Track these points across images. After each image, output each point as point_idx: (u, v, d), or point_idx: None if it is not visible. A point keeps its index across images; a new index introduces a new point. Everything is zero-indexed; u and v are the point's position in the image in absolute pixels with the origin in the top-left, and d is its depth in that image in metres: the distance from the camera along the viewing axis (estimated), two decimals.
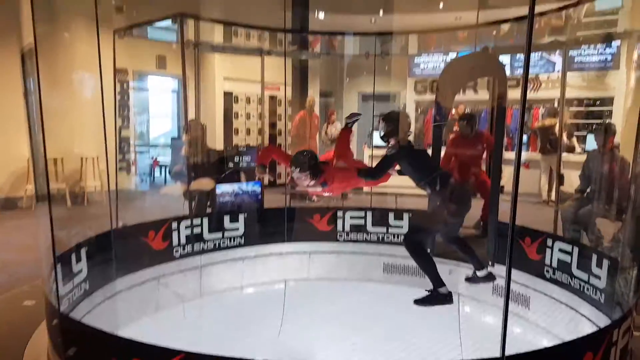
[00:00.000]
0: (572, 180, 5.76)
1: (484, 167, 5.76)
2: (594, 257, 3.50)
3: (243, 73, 9.20)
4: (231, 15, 6.76)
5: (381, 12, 8.96)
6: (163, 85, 9.82)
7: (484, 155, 5.60)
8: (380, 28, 8.57)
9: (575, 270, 3.70)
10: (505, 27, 7.42)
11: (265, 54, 7.66)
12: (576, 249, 3.73)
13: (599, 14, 7.83)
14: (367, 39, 7.57)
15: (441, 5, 8.20)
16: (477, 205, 4.80)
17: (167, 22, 6.56)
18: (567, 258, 3.78)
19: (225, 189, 5.59)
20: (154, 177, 9.16)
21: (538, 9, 5.74)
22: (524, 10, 6.31)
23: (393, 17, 8.30)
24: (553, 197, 7.15)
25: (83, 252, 3.32)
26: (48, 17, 3.54)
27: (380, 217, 5.17)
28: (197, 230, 4.56)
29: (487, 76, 5.08)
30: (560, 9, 5.22)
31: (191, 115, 6.45)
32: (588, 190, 5.02)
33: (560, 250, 3.86)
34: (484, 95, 9.72)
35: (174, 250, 4.37)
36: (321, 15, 8.99)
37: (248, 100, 10.03)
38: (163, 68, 8.97)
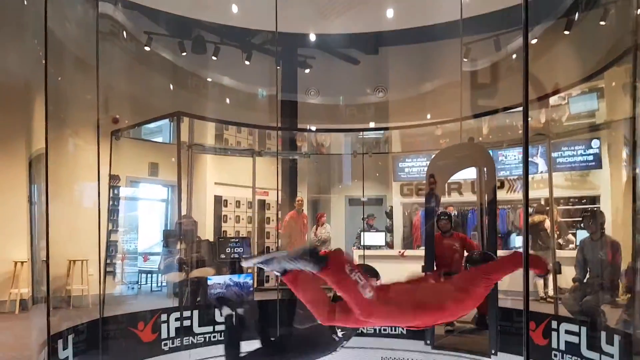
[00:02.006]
0: (567, 275, 5.71)
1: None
2: (604, 335, 3.34)
3: (234, 177, 9.40)
4: (224, 116, 7.11)
5: (371, 124, 9.48)
6: (154, 193, 9.91)
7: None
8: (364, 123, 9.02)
9: (585, 351, 3.51)
10: (487, 122, 7.83)
11: (256, 155, 7.91)
12: (584, 329, 3.57)
13: (577, 116, 8.30)
14: (354, 140, 7.90)
15: (429, 115, 8.71)
16: None
17: (162, 125, 6.85)
18: (574, 339, 3.61)
19: (216, 280, 5.45)
20: (140, 284, 8.90)
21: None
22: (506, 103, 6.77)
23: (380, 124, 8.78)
24: (549, 292, 7.00)
25: (70, 339, 3.17)
26: (54, 125, 3.72)
27: None
28: (186, 322, 4.35)
29: (475, 165, 5.26)
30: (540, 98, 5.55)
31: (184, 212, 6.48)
32: (586, 278, 4.96)
33: (567, 332, 3.70)
34: (469, 197, 9.94)
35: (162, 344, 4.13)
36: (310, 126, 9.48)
37: (238, 204, 10.11)
38: (155, 175, 9.14)
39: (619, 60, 4.93)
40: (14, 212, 6.97)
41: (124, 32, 6.54)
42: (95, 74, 4.75)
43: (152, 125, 7.32)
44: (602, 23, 6.29)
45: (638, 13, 4.48)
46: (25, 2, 4.83)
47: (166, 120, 6.79)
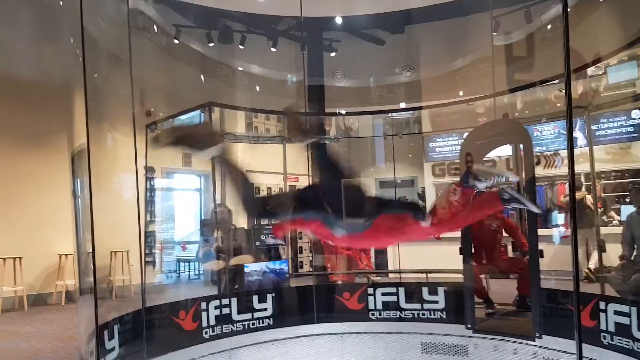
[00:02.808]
0: (612, 253, 5.59)
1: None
2: None
3: (265, 164, 9.49)
4: (253, 106, 7.16)
5: (402, 104, 9.35)
6: (189, 183, 10.11)
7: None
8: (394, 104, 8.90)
9: (637, 333, 3.43)
10: (520, 98, 7.64)
11: (286, 141, 7.96)
12: (634, 309, 3.48)
13: (616, 86, 8.02)
14: (383, 122, 7.83)
15: (461, 92, 8.54)
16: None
17: (194, 115, 6.95)
18: (625, 320, 3.52)
19: (253, 268, 5.54)
20: (179, 273, 9.13)
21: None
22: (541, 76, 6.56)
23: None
24: (592, 267, 6.85)
25: (116, 329, 3.28)
26: (94, 121, 3.83)
27: (414, 292, 5.00)
28: (225, 310, 4.45)
29: (511, 142, 5.16)
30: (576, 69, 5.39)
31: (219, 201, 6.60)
32: (634, 255, 4.85)
33: (617, 312, 3.61)
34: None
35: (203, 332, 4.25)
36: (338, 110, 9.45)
37: (269, 191, 10.21)
38: (189, 165, 9.31)
39: None
40: (59, 206, 7.21)
41: (154, 26, 6.64)
42: (129, 68, 4.85)
43: (184, 116, 7.45)
44: None
45: None
46: (62, 3, 4.96)
47: (198, 111, 6.89)
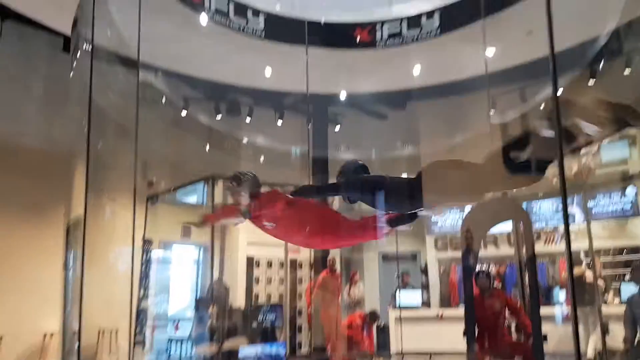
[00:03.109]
0: (616, 334, 5.38)
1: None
2: None
3: (266, 237, 9.37)
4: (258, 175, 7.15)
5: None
6: (186, 255, 9.95)
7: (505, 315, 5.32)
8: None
9: None
10: None
11: None
12: None
13: (610, 164, 8.14)
14: None
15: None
16: None
17: (196, 186, 6.96)
18: None
19: (247, 352, 5.29)
20: (170, 354, 8.70)
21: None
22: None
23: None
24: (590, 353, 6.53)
25: None
26: (94, 191, 3.83)
27: None
28: None
29: (510, 220, 5.11)
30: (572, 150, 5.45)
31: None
32: (637, 337, 4.65)
33: None
34: (506, 250, 9.65)
35: None
36: None
37: (269, 265, 10.02)
38: (187, 236, 9.19)
39: None
40: (48, 280, 6.99)
41: (163, 98, 6.83)
42: (134, 139, 4.91)
43: (187, 190, 7.51)
44: (627, 71, 6.28)
45: None
46: (72, 75, 5.13)
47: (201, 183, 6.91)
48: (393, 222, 3.40)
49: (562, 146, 2.53)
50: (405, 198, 3.07)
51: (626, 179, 8.42)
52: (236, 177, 3.38)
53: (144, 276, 8.37)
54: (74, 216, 3.83)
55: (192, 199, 9.13)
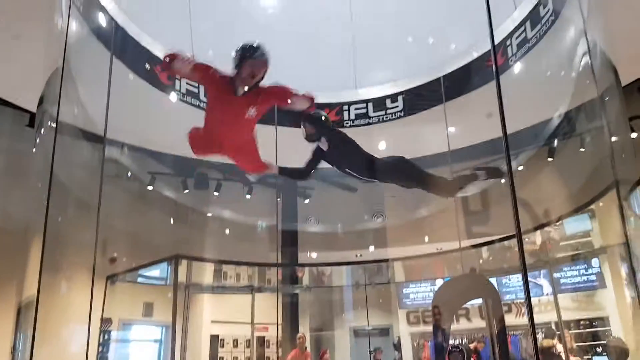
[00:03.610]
0: None
1: None
2: None
3: (232, 314, 9.06)
4: (223, 254, 7.05)
5: (371, 248, 9.45)
6: (147, 335, 9.46)
7: None
8: (366, 257, 8.92)
9: None
10: (487, 250, 7.79)
11: (255, 291, 7.71)
12: None
13: (573, 237, 8.33)
14: (355, 269, 7.79)
15: (427, 238, 8.73)
16: None
17: (159, 266, 6.76)
18: None
19: None
20: None
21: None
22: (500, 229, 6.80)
23: (379, 250, 8.71)
24: None
25: None
26: (49, 269, 3.67)
27: None
28: None
29: (480, 297, 5.11)
30: (535, 228, 5.60)
31: None
32: None
33: None
34: (478, 323, 9.55)
35: None
36: (310, 253, 9.44)
37: (235, 343, 9.59)
38: (149, 315, 8.79)
39: (604, 193, 5.09)
40: None
41: (128, 173, 6.75)
42: (96, 215, 4.79)
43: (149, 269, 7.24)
44: (582, 150, 6.60)
45: (613, 141, 4.73)
46: (34, 150, 5.06)
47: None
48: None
49: (519, 222, 2.56)
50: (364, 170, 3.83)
51: (590, 251, 8.60)
52: None
53: (102, 358, 7.87)
54: (27, 296, 3.62)
55: (155, 273, 8.83)
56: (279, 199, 8.33)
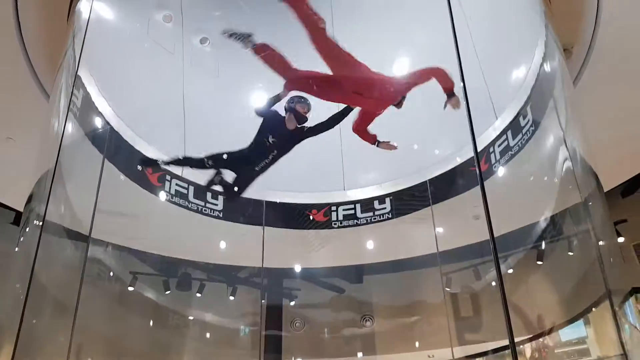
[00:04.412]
0: None
1: None
2: None
3: None
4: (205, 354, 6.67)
5: (359, 354, 9.04)
6: None
7: None
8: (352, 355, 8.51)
9: None
10: None
11: None
12: None
13: (569, 343, 8.07)
14: None
15: (417, 344, 8.40)
16: None
17: None
18: None
19: None
20: None
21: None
22: (499, 343, 6.59)
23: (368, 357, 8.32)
24: None
25: None
26: None
27: None
28: None
29: None
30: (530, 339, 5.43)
31: None
32: None
33: None
34: None
35: None
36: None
37: None
38: None
39: (598, 303, 5.02)
40: None
41: (110, 273, 6.58)
42: (72, 317, 4.59)
43: None
44: (571, 253, 6.60)
45: (600, 245, 4.75)
46: (17, 249, 4.94)
47: None
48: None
49: (511, 330, 2.49)
50: None
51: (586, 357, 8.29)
52: None
53: None
54: None
55: None
56: (263, 301, 8.09)
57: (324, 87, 4.63)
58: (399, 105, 4.83)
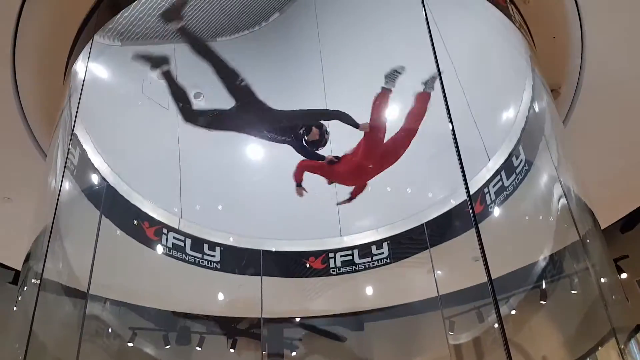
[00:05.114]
0: None
1: None
2: None
3: None
4: None
5: None
6: None
7: None
8: None
9: None
10: None
11: None
12: None
13: None
14: None
15: None
16: None
17: None
18: None
19: None
20: None
21: None
22: None
23: None
24: None
25: None
26: None
27: None
28: None
29: None
30: None
31: None
32: None
33: None
34: None
35: None
36: None
37: None
38: None
39: (602, 342, 4.96)
40: None
41: (109, 329, 6.49)
42: None
43: None
44: (573, 292, 6.53)
45: (602, 282, 4.71)
46: (15, 308, 4.90)
47: None
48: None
49: None
50: None
51: None
52: None
53: None
54: None
55: None
56: (264, 352, 7.93)
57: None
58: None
